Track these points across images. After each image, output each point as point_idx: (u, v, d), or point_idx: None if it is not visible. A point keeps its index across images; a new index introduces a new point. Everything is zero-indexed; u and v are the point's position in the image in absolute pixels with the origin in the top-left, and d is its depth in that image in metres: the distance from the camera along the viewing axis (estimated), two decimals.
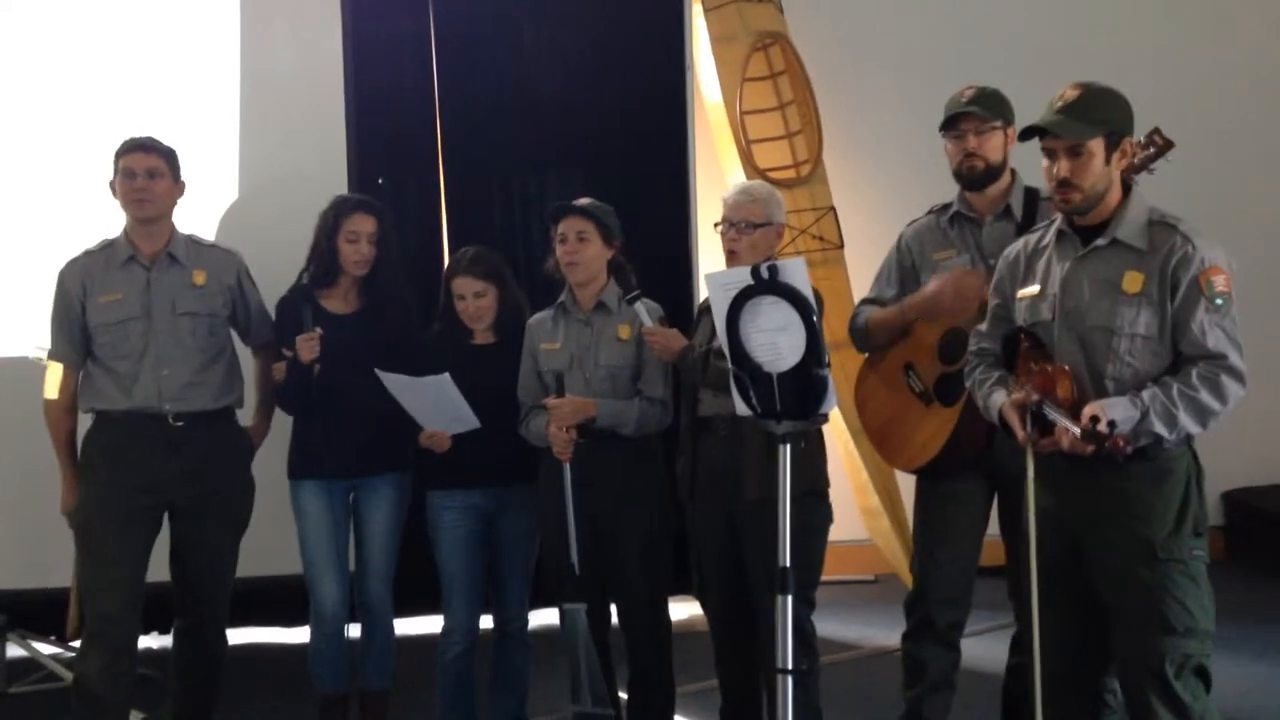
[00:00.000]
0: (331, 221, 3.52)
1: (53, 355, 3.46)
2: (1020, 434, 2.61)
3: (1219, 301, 2.56)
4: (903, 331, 3.26)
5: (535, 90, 4.92)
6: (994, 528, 3.24)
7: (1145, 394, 2.54)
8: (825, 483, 3.25)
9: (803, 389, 2.52)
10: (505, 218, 4.91)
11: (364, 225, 3.51)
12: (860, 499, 5.43)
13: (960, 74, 3.71)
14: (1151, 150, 2.99)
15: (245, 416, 3.63)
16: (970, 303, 3.04)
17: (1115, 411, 2.48)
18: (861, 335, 3.35)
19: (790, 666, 2.59)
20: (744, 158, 5.46)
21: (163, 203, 3.41)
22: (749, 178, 5.29)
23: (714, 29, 5.48)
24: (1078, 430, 2.46)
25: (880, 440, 3.35)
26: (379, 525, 3.56)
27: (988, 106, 3.15)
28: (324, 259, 3.52)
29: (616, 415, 3.33)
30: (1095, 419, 2.45)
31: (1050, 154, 2.64)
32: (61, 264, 3.48)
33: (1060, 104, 2.63)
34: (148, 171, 3.37)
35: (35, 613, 4.38)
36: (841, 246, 5.47)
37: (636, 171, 4.76)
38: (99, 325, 3.38)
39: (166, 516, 3.43)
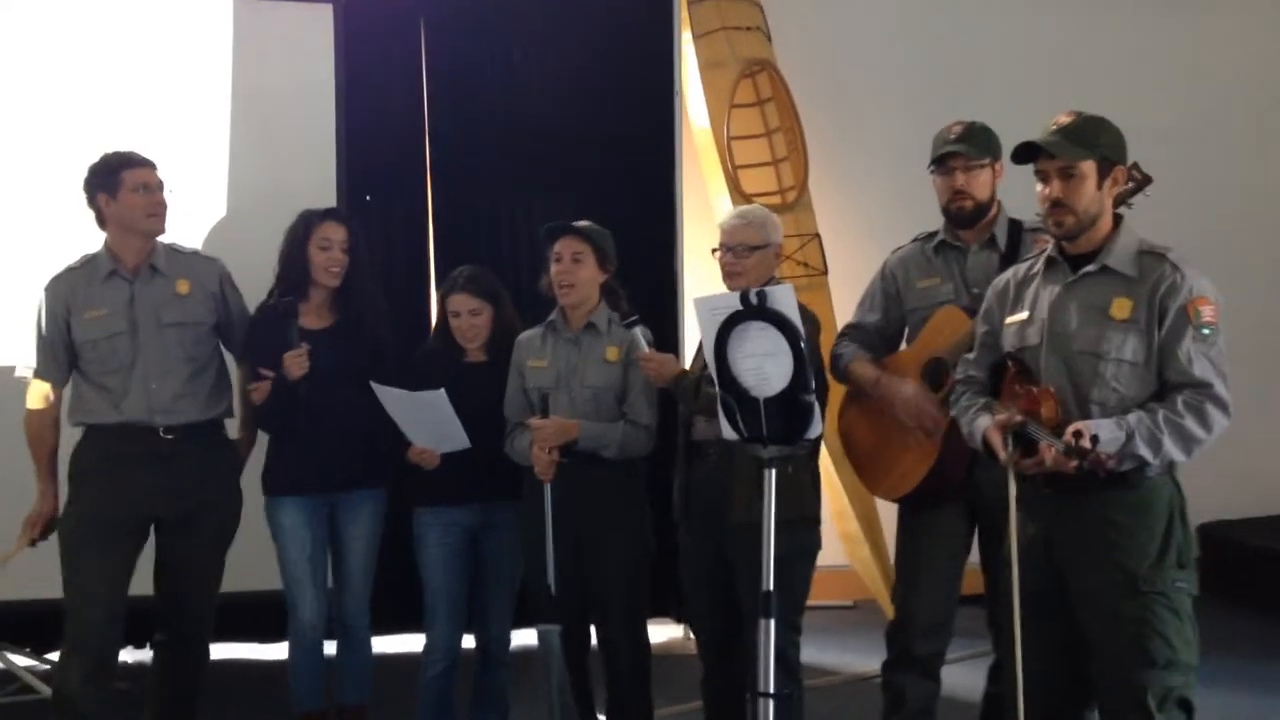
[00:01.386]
0: (302, 232, 3.51)
1: (38, 374, 3.44)
2: (1002, 454, 2.62)
3: (1206, 331, 2.59)
4: (885, 363, 3.30)
5: (524, 114, 4.95)
6: (974, 557, 3.26)
7: (1131, 417, 2.56)
8: (816, 510, 3.26)
9: (789, 414, 2.54)
10: (492, 240, 4.93)
11: (335, 233, 3.52)
12: (840, 525, 5.44)
13: (946, 103, 3.77)
14: (1130, 185, 3.03)
15: (233, 427, 3.62)
16: (924, 420, 3.10)
17: (1100, 430, 2.50)
18: (842, 376, 3.37)
19: (772, 690, 2.60)
20: (730, 183, 5.50)
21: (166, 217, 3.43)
22: (735, 203, 5.32)
23: (703, 55, 5.53)
24: (1061, 445, 2.47)
25: (862, 469, 3.37)
26: (358, 542, 3.56)
27: (975, 144, 3.19)
28: (295, 271, 3.51)
29: (599, 437, 3.34)
30: (1079, 434, 2.47)
31: (1043, 176, 2.68)
32: (44, 274, 3.47)
33: (1055, 128, 2.67)
34: (159, 186, 3.39)
35: (11, 625, 4.35)
36: (825, 273, 5.51)
37: (624, 195, 4.79)
38: (85, 342, 3.37)
39: (152, 529, 3.41)
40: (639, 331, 3.32)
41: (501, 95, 4.94)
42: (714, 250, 3.32)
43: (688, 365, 3.49)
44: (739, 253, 3.25)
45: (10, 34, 4.53)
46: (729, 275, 3.27)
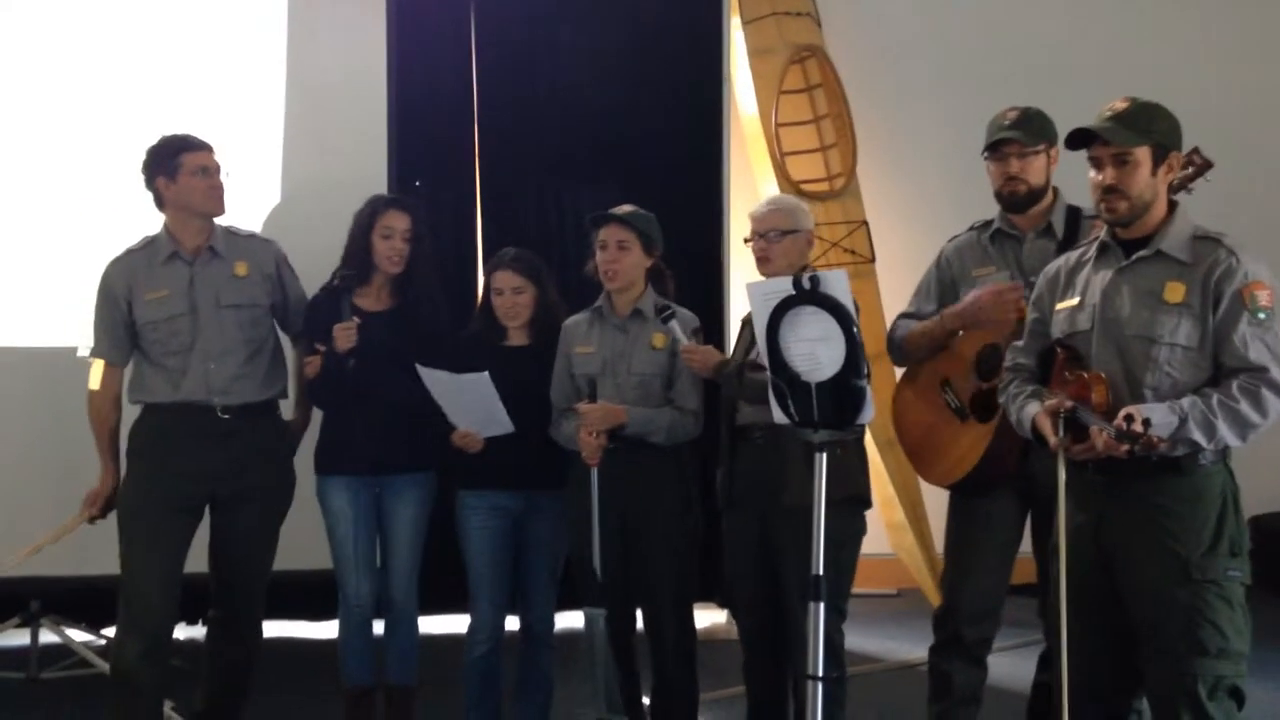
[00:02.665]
0: (367, 219, 3.56)
1: (95, 353, 3.50)
2: (1052, 439, 2.60)
3: (1262, 315, 2.56)
4: (940, 346, 3.28)
5: (573, 99, 4.98)
6: (1026, 546, 3.24)
7: (1184, 401, 2.54)
8: (867, 489, 3.27)
9: (840, 399, 2.54)
10: (540, 224, 4.96)
11: (398, 222, 3.56)
12: (885, 513, 5.43)
13: (996, 89, 3.74)
14: (1190, 170, 3.00)
15: (286, 409, 3.66)
16: (1009, 311, 3.05)
17: (1153, 414, 2.48)
18: (898, 350, 3.37)
19: (821, 674, 2.60)
20: (778, 170, 5.50)
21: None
22: (782, 190, 5.33)
23: (752, 41, 5.53)
24: (1112, 429, 2.46)
25: (915, 455, 3.36)
26: (403, 523, 3.59)
27: (1030, 130, 3.16)
28: (359, 256, 3.56)
29: (647, 423, 3.35)
30: (1130, 418, 2.45)
31: (1097, 163, 2.66)
32: (105, 256, 3.53)
33: (1109, 113, 2.65)
34: (218, 169, 3.44)
35: (68, 599, 4.43)
36: (873, 260, 5.50)
37: (671, 181, 4.81)
38: (146, 323, 3.42)
39: (208, 507, 3.46)
40: (675, 324, 3.33)
41: (550, 81, 4.96)
42: (746, 240, 3.35)
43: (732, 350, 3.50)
44: (771, 238, 3.27)
45: (68, 21, 4.61)
46: (761, 261, 3.29)
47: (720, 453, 3.38)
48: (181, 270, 3.44)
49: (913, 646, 4.54)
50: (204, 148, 3.44)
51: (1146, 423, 2.44)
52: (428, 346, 3.53)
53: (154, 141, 3.46)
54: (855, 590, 3.36)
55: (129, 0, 4.67)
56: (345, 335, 3.43)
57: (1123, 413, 2.48)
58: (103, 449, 3.51)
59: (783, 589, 3.21)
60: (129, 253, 3.48)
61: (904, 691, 4.17)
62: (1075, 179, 3.07)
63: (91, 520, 3.55)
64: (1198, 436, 2.52)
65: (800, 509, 2.91)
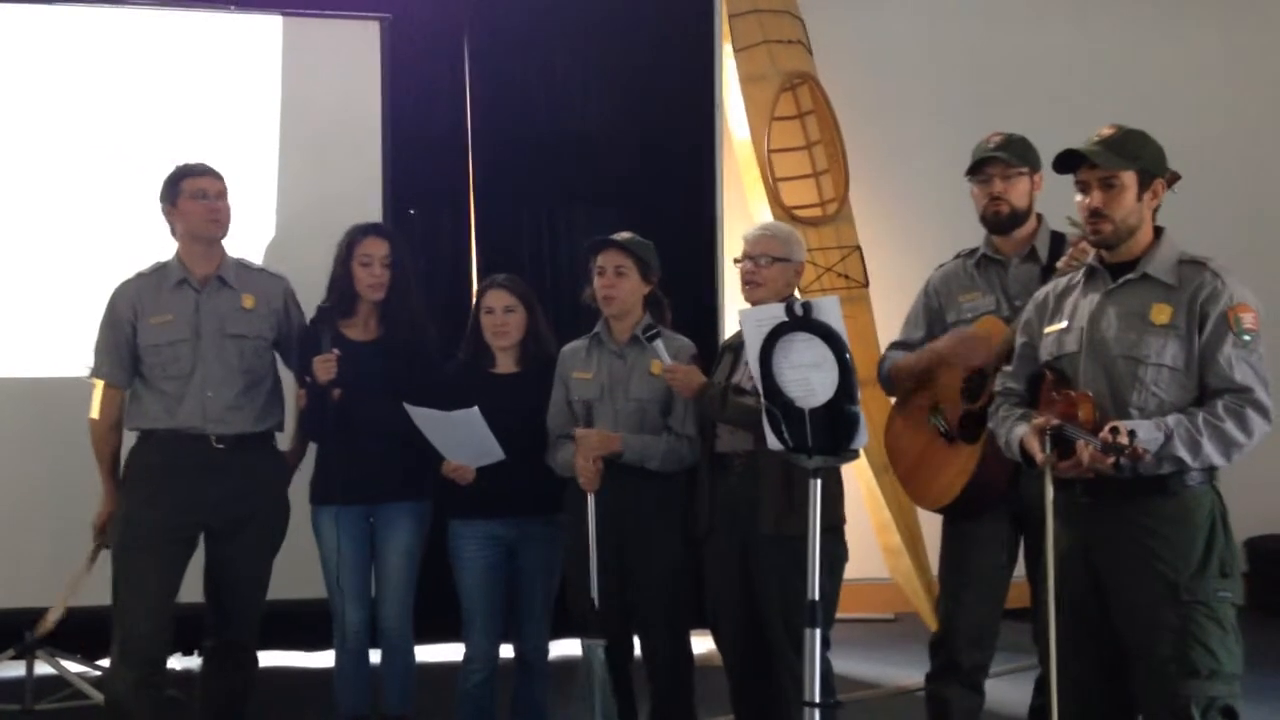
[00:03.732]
0: (346, 248, 3.59)
1: (97, 374, 3.51)
2: (1039, 456, 2.62)
3: (1247, 337, 2.59)
4: (929, 376, 3.29)
5: (566, 127, 5.01)
6: (1020, 570, 3.24)
7: (1170, 419, 2.56)
8: (841, 519, 3.27)
9: (834, 425, 2.54)
10: (535, 252, 4.98)
11: (376, 249, 3.57)
12: (882, 537, 5.43)
13: (986, 117, 3.76)
14: None
15: (284, 440, 3.67)
16: (976, 350, 3.09)
17: (1139, 429, 2.50)
18: (886, 382, 3.40)
19: (818, 700, 2.60)
20: (771, 195, 5.52)
21: (229, 224, 3.50)
22: (775, 215, 5.36)
23: (744, 69, 5.56)
24: (1098, 442, 2.48)
25: (908, 482, 3.37)
26: (396, 553, 3.59)
27: (1014, 153, 3.20)
28: (341, 286, 3.58)
29: (643, 449, 3.35)
30: (1115, 430, 2.48)
31: (1083, 186, 2.70)
32: (107, 287, 3.55)
33: (1097, 138, 2.69)
34: (218, 193, 3.47)
35: (63, 631, 4.40)
36: (866, 285, 5.52)
37: (665, 208, 4.84)
38: (149, 346, 3.44)
39: (202, 537, 3.46)
40: (660, 344, 3.34)
41: (544, 109, 5.00)
42: (736, 260, 3.36)
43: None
44: (762, 263, 3.29)
45: (67, 57, 4.62)
46: (749, 284, 3.31)
47: (698, 480, 3.38)
48: (189, 297, 3.47)
49: (910, 672, 4.52)
50: (206, 173, 3.48)
51: (1132, 434, 2.46)
52: (415, 374, 3.53)
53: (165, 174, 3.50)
54: (852, 615, 3.36)
55: (128, 34, 4.68)
56: (324, 367, 3.44)
57: (1108, 426, 2.51)
58: (105, 474, 3.52)
59: (765, 617, 3.20)
60: (139, 276, 3.52)
61: (901, 717, 4.16)
62: (1060, 208, 3.10)
63: (107, 547, 3.53)
64: (1183, 453, 2.54)
65: (778, 537, 2.91)
